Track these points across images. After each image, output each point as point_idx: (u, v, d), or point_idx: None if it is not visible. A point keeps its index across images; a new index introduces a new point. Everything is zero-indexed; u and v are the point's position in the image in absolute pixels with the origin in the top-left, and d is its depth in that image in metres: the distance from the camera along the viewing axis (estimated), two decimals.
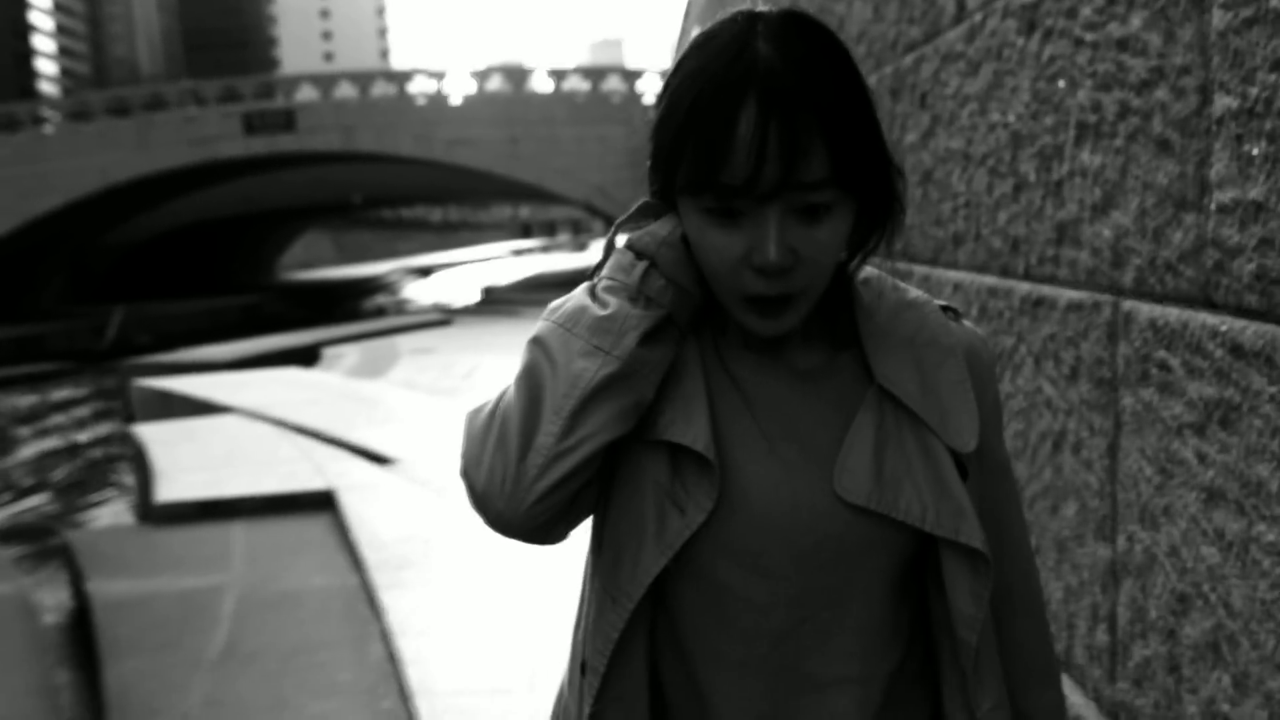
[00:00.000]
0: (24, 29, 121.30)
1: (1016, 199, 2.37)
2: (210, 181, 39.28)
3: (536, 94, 35.32)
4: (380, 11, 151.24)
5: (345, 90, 36.36)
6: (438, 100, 35.45)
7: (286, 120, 34.58)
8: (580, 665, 1.20)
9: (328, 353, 19.05)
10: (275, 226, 57.97)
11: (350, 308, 41.63)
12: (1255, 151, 1.45)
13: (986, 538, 1.14)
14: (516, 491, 1.07)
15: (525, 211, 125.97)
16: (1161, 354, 1.74)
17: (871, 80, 3.64)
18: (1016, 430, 2.43)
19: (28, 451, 16.10)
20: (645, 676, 1.18)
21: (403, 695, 4.68)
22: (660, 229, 1.14)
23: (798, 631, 1.14)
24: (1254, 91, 1.45)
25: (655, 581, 1.13)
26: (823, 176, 1.03)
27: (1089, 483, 2.06)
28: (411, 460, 9.04)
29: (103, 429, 16.66)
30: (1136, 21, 1.78)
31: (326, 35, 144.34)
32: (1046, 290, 2.23)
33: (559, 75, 35.71)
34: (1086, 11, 1.98)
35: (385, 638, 5.35)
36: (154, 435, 11.01)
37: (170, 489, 8.55)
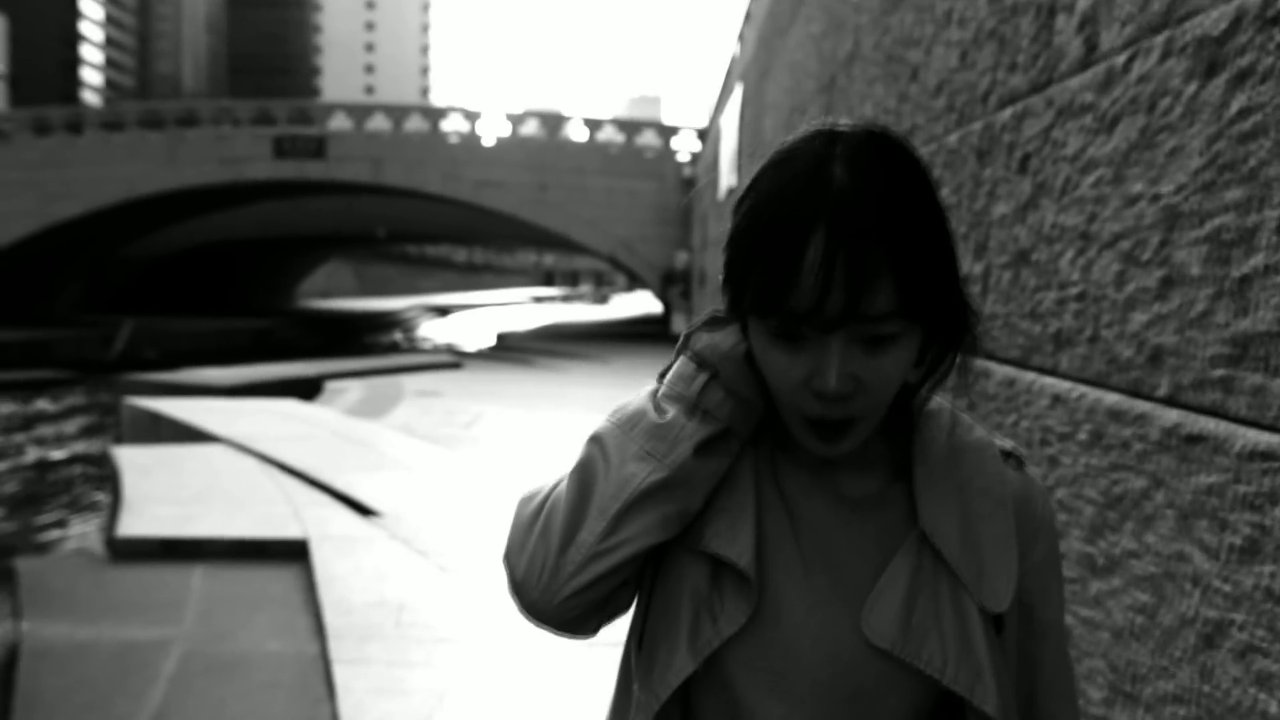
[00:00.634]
0: (73, 38, 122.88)
1: (1165, 297, 1.78)
2: (235, 202, 39.10)
3: (570, 142, 35.05)
4: (424, 50, 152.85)
5: (379, 122, 36.18)
6: (470, 140, 35.18)
7: (317, 147, 34.36)
8: None
9: (330, 386, 18.48)
10: (297, 253, 57.88)
11: (363, 341, 41.22)
12: None
13: (1019, 696, 1.16)
14: (552, 584, 1.10)
15: (549, 259, 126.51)
16: None
17: (953, 139, 3.07)
18: (1138, 602, 1.82)
19: (5, 464, 15.52)
20: None
21: None
22: (724, 342, 1.14)
23: None
24: None
25: (683, 688, 1.14)
26: (889, 310, 1.02)
27: (1266, 709, 1.45)
28: (397, 515, 8.42)
29: (91, 446, 16.08)
30: None
31: (369, 69, 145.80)
32: (1210, 425, 1.63)
33: (594, 125, 35.46)
34: None
35: None
36: (132, 460, 10.43)
37: (134, 523, 7.94)
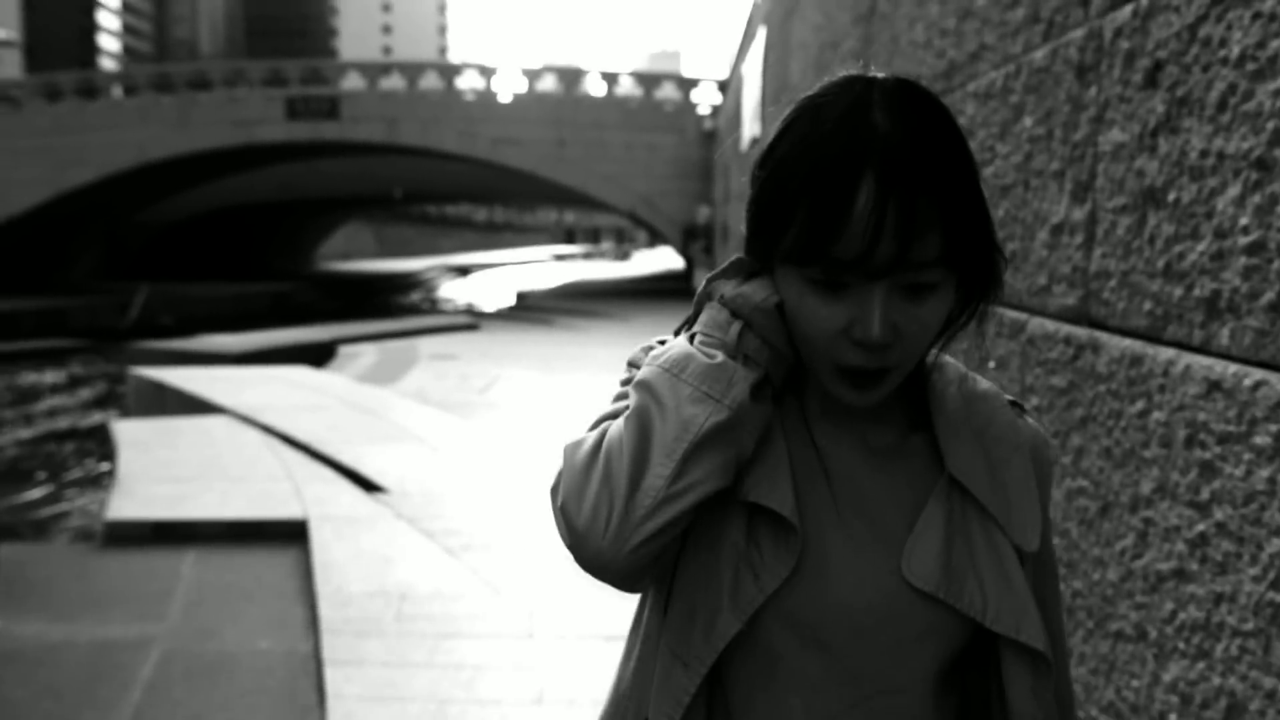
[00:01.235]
0: (90, 4, 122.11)
1: None
2: (250, 165, 38.52)
3: (587, 96, 34.30)
4: (441, 9, 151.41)
5: (394, 82, 35.47)
6: (486, 97, 34.42)
7: (330, 107, 33.69)
8: None
9: (344, 351, 17.99)
10: (315, 215, 57.42)
11: (382, 302, 40.78)
12: None
13: None
14: (623, 530, 1.04)
15: (570, 217, 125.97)
16: None
17: (1040, 56, 2.47)
18: None
19: (10, 437, 15.10)
20: None
21: None
22: (755, 293, 1.11)
23: (849, 714, 1.12)
24: None
25: None
26: (935, 256, 1.02)
27: None
28: (404, 491, 7.91)
29: (99, 418, 15.64)
30: None
31: (386, 29, 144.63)
32: None
33: (611, 78, 34.66)
34: None
35: None
36: (131, 435, 9.97)
37: (125, 505, 7.46)
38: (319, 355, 17.71)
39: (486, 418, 11.17)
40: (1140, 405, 1.90)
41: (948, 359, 1.21)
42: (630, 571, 1.07)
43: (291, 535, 6.98)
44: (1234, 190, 1.61)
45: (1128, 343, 1.97)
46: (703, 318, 1.14)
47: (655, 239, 48.59)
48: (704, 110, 33.67)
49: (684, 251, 34.03)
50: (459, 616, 5.41)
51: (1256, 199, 1.55)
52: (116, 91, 37.84)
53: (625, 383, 1.17)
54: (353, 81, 35.69)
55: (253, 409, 11.06)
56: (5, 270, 35.38)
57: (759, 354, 1.10)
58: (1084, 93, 2.22)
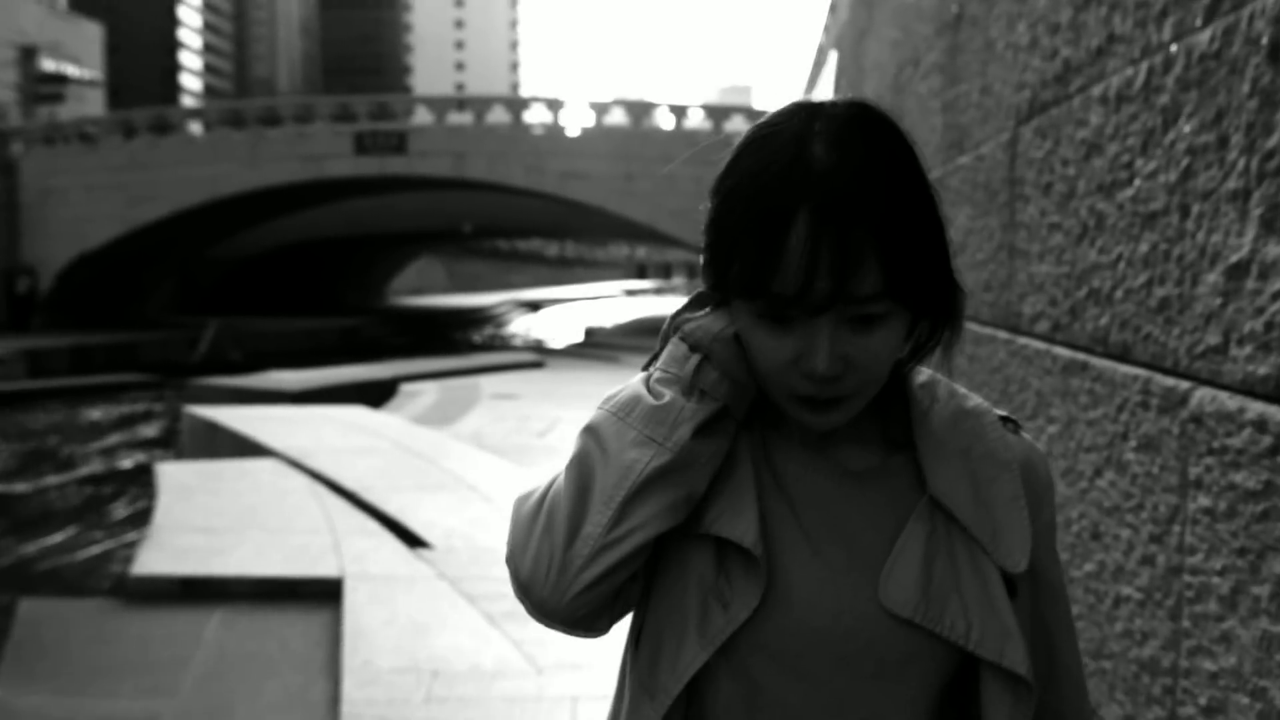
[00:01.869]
0: (173, 45, 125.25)
1: None
2: (319, 200, 38.65)
3: (656, 130, 33.91)
4: (514, 46, 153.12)
5: (462, 117, 35.36)
6: (553, 131, 34.15)
7: (398, 142, 33.63)
8: None
9: (405, 389, 17.62)
10: (386, 250, 57.71)
11: (451, 338, 40.62)
12: None
13: (1035, 663, 1.13)
14: (561, 580, 1.05)
15: (641, 252, 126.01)
16: None
17: (1203, 39, 1.87)
18: None
19: (59, 477, 14.84)
20: None
21: None
22: (713, 325, 1.12)
23: None
24: None
25: (691, 681, 1.11)
26: (876, 290, 1.01)
27: None
28: (449, 546, 7.38)
29: (154, 457, 15.39)
30: None
31: (459, 66, 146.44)
32: None
33: (680, 111, 34.24)
34: None
35: None
36: (173, 479, 9.59)
37: (154, 558, 7.03)
38: (381, 393, 17.36)
39: (544, 464, 10.63)
40: None
41: (933, 375, 1.19)
42: (577, 619, 1.08)
43: (326, 595, 6.49)
44: None
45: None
46: (664, 353, 1.14)
47: None
48: None
49: None
50: (494, 699, 4.84)
51: None
52: (195, 127, 38.27)
53: None
54: (421, 117, 35.66)
55: (303, 452, 10.64)
56: (81, 304, 35.83)
57: (716, 388, 1.09)
58: (1273, 80, 1.61)
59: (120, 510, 12.66)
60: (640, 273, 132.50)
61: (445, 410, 14.78)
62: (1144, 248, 2.15)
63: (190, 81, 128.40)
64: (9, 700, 5.08)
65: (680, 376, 1.09)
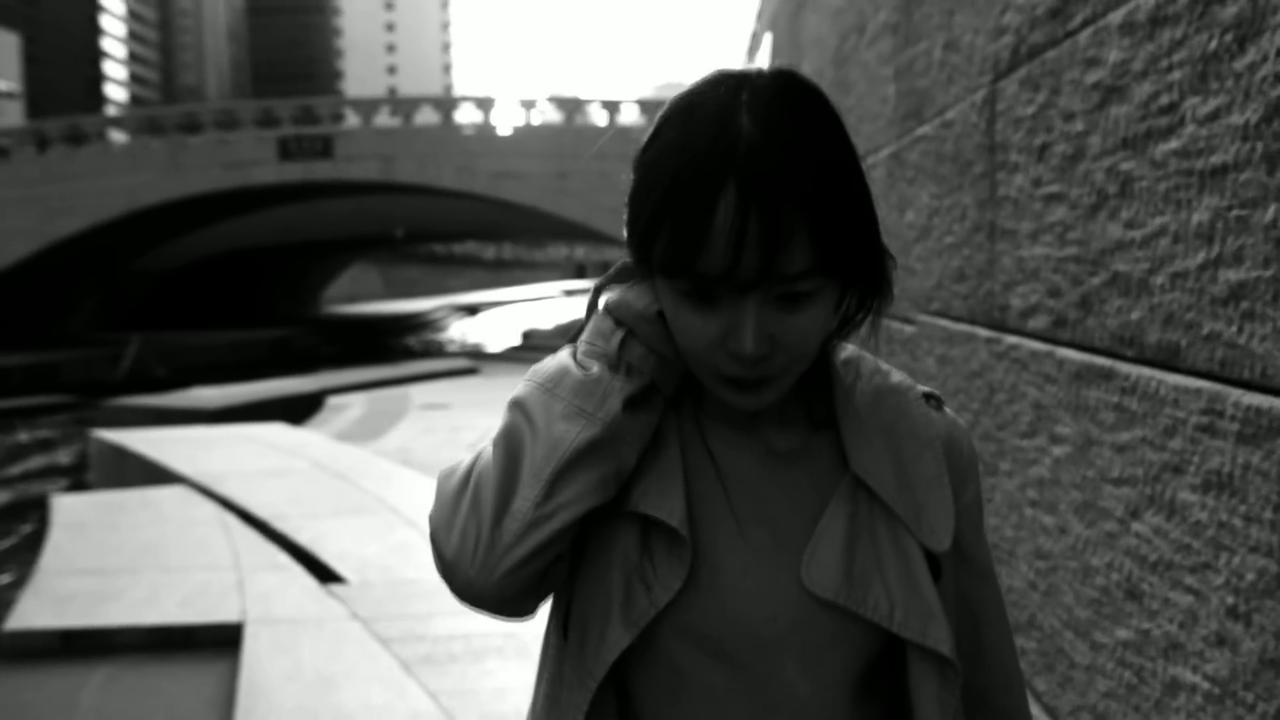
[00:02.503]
0: (96, 54, 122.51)
1: None
2: (245, 209, 37.55)
3: (590, 127, 33.30)
4: (446, 48, 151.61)
5: (391, 119, 34.51)
6: (484, 130, 33.42)
7: (324, 146, 32.71)
8: None
9: (332, 402, 16.87)
10: (319, 258, 56.52)
11: (386, 345, 39.70)
12: None
13: (961, 642, 1.11)
14: (489, 559, 1.00)
15: (580, 252, 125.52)
16: None
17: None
18: None
19: None
20: None
21: None
22: (637, 301, 1.08)
23: None
24: None
25: (617, 665, 1.06)
26: (805, 267, 0.97)
27: None
28: (364, 580, 6.72)
29: (63, 487, 14.48)
30: None
31: (391, 70, 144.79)
32: None
33: (613, 107, 33.67)
34: None
35: None
36: (69, 513, 8.83)
37: (33, 609, 6.29)
38: (306, 406, 16.61)
39: None
40: None
41: (857, 351, 1.16)
42: (505, 599, 1.04)
43: (225, 642, 5.82)
44: None
45: None
46: (589, 326, 1.10)
47: None
48: None
49: None
50: None
51: None
52: (119, 136, 37.01)
53: None
54: (349, 120, 34.77)
55: (213, 477, 9.90)
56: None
57: (643, 362, 1.05)
58: None
59: (9, 552, 11.78)
60: (580, 273, 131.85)
61: (372, 424, 14.07)
62: (1202, 216, 1.58)
63: (115, 92, 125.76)
64: None
65: (606, 351, 1.06)
